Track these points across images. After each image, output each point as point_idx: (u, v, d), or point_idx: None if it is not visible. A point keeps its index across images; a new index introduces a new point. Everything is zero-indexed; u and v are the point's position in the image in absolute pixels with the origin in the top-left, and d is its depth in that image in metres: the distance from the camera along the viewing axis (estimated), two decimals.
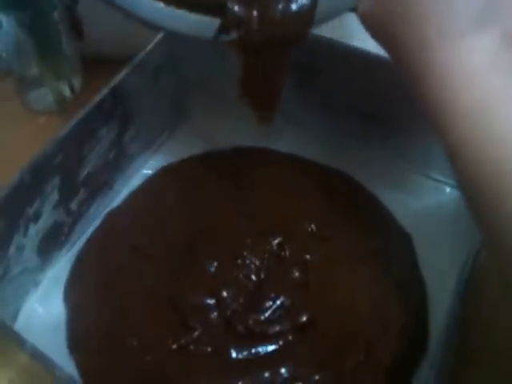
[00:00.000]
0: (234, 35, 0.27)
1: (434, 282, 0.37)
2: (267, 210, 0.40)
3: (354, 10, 0.26)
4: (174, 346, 0.34)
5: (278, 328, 0.34)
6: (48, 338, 0.34)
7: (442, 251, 0.37)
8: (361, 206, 0.41)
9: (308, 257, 0.37)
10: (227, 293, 0.35)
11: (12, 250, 0.34)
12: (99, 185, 0.40)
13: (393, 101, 0.37)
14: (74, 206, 0.38)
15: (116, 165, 0.41)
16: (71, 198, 0.38)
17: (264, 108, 0.32)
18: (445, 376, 0.29)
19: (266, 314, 0.35)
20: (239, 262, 0.37)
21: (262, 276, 0.36)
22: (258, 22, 0.26)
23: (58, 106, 0.47)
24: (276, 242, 0.38)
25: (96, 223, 0.41)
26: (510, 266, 0.22)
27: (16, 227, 0.34)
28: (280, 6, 0.25)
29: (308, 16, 0.26)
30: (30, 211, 0.34)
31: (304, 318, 0.35)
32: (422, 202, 0.41)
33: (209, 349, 0.33)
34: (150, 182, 0.43)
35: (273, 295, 0.35)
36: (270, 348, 0.34)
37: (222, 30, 0.27)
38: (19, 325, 0.36)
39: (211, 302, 0.35)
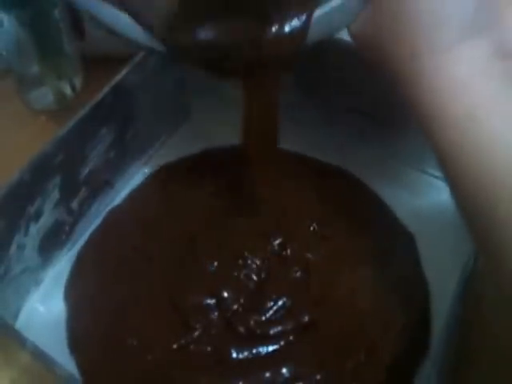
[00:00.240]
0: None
1: (437, 281, 0.37)
2: (268, 208, 0.39)
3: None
4: (175, 346, 0.34)
5: (279, 329, 0.34)
6: (49, 337, 0.34)
7: (444, 250, 0.37)
8: (363, 204, 0.41)
9: (309, 256, 0.37)
10: (228, 293, 0.35)
11: (13, 249, 0.34)
12: (100, 184, 0.40)
13: (394, 100, 0.37)
14: (74, 204, 0.38)
15: (117, 164, 0.41)
16: (72, 196, 0.38)
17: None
18: (446, 375, 0.29)
19: (268, 315, 0.35)
20: (240, 261, 0.37)
21: (263, 276, 0.36)
22: (250, 45, 0.26)
23: (58, 105, 0.47)
24: (277, 241, 0.38)
25: (97, 222, 0.41)
26: (503, 273, 0.22)
27: (17, 226, 0.34)
28: (273, 29, 0.26)
29: (300, 37, 0.26)
30: (31, 210, 0.34)
31: (306, 319, 0.34)
32: (425, 200, 0.41)
33: (209, 349, 0.33)
34: (151, 180, 0.43)
35: (274, 296, 0.35)
36: (271, 348, 0.33)
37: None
38: (20, 324, 0.36)
39: (211, 302, 0.35)
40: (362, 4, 0.25)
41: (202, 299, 0.35)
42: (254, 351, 0.33)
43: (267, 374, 0.32)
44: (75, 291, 0.37)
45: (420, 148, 0.41)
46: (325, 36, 0.27)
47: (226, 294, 0.35)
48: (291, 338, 0.34)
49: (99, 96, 0.36)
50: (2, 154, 0.42)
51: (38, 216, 0.35)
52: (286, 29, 0.26)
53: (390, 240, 0.39)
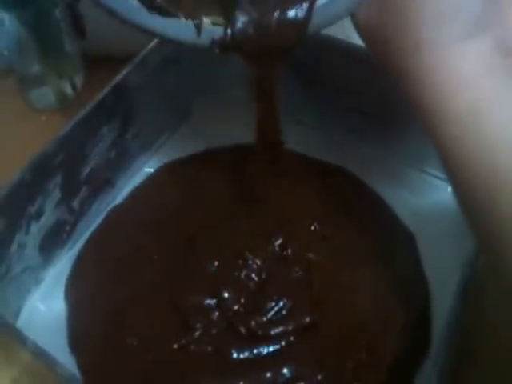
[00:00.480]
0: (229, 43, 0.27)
1: (437, 280, 0.37)
2: (269, 208, 0.39)
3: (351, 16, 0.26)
4: (175, 346, 0.34)
5: (280, 329, 0.34)
6: (50, 336, 0.34)
7: (444, 250, 0.37)
8: (363, 204, 0.41)
9: (311, 255, 0.37)
10: (228, 293, 0.35)
11: (14, 248, 0.34)
12: (101, 183, 0.40)
13: (395, 99, 0.37)
14: (75, 204, 0.38)
15: (118, 163, 0.41)
16: (73, 196, 0.38)
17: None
18: (447, 375, 0.29)
19: (269, 316, 0.34)
20: (240, 261, 0.36)
21: (264, 276, 0.36)
22: (254, 30, 0.26)
23: (59, 105, 0.47)
24: (278, 241, 0.38)
25: (98, 221, 0.41)
26: (505, 269, 0.22)
27: (18, 225, 0.34)
28: (276, 14, 0.26)
29: (303, 24, 0.26)
30: (32, 209, 0.34)
31: (307, 320, 0.34)
32: (425, 200, 0.41)
33: (210, 349, 0.33)
34: (152, 180, 0.43)
35: (275, 296, 0.35)
36: (272, 348, 0.33)
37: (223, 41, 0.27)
38: (21, 323, 0.36)
39: (212, 302, 0.35)
40: None
41: (202, 299, 0.35)
42: (255, 351, 0.33)
43: (268, 375, 0.32)
44: (76, 290, 0.37)
45: (420, 148, 0.41)
46: (327, 24, 0.27)
47: (226, 295, 0.35)
48: (292, 338, 0.34)
49: (100, 95, 0.36)
50: (2, 153, 0.42)
51: (38, 215, 0.35)
52: (289, 16, 0.26)
53: (390, 240, 0.39)
